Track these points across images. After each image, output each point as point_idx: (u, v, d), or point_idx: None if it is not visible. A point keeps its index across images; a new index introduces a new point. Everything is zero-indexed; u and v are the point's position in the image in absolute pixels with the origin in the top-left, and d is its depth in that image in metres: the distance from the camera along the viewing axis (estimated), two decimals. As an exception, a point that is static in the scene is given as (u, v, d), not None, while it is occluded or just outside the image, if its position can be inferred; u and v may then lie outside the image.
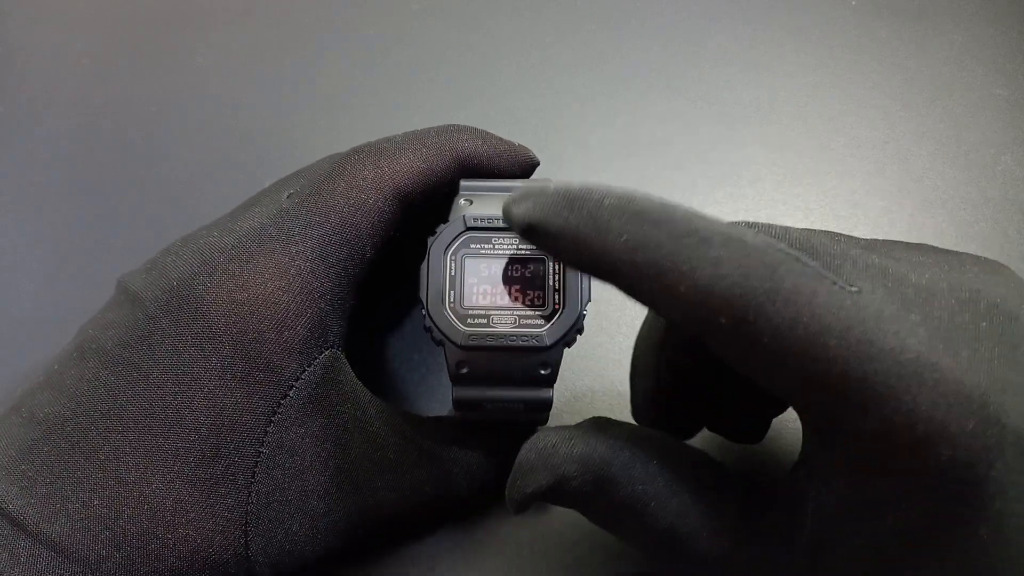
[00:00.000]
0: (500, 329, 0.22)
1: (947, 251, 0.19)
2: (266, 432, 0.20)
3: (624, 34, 0.40)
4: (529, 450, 0.18)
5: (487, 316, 0.22)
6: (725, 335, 0.16)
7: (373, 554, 0.25)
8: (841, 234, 0.19)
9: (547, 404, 0.23)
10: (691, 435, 0.23)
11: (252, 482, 0.20)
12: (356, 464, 0.22)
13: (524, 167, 0.25)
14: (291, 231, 0.22)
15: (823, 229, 0.19)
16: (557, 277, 0.22)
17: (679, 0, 0.41)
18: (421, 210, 0.24)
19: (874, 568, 0.16)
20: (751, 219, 0.33)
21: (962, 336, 0.16)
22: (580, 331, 0.22)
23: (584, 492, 0.18)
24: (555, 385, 0.23)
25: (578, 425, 0.19)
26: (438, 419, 0.25)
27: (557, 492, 0.18)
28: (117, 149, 0.37)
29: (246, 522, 0.20)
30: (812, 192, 0.34)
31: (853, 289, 0.16)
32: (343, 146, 0.26)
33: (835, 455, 0.17)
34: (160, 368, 0.20)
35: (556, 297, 0.22)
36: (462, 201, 0.24)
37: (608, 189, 0.16)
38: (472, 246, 0.23)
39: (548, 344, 0.22)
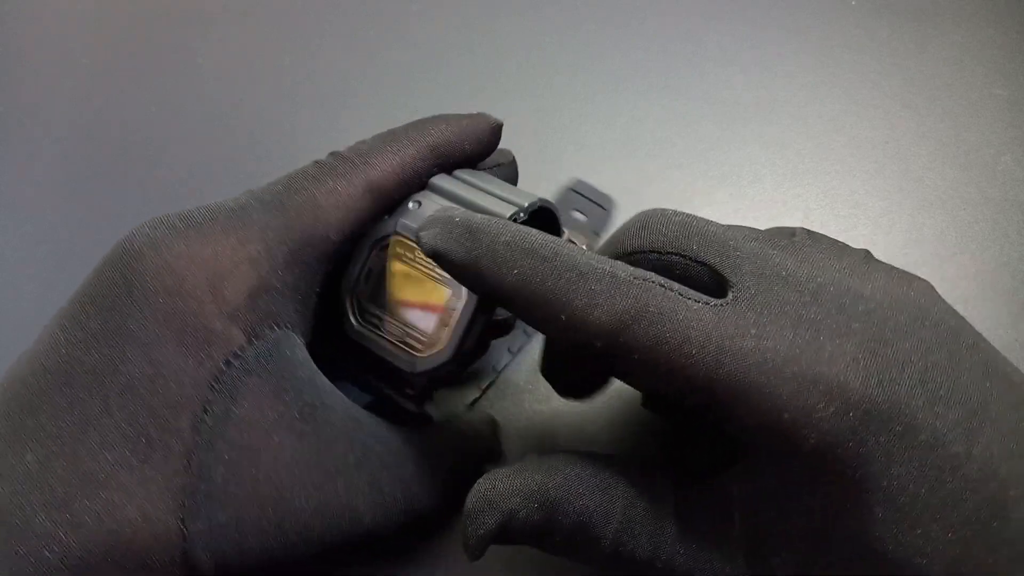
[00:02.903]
0: (383, 339, 0.22)
1: (871, 261, 0.20)
2: (208, 400, 0.19)
3: (624, 34, 0.40)
4: (473, 497, 0.19)
5: (381, 320, 0.22)
6: (602, 353, 0.18)
7: (373, 555, 0.25)
8: (773, 231, 0.21)
9: (415, 414, 0.23)
10: (596, 391, 0.24)
11: (192, 452, 0.19)
12: (315, 455, 0.20)
13: (490, 135, 0.25)
14: (249, 206, 0.21)
15: (741, 225, 0.21)
16: (453, 313, 0.22)
17: (679, 0, 0.41)
18: (397, 204, 0.24)
19: (801, 554, 0.18)
20: (750, 219, 0.33)
21: (830, 334, 0.17)
22: (454, 374, 0.22)
23: (533, 523, 0.19)
24: (432, 403, 0.23)
25: (516, 464, 0.20)
26: (409, 430, 0.24)
27: (508, 529, 0.19)
28: (117, 149, 0.37)
29: (183, 496, 0.19)
30: (812, 192, 0.34)
31: (720, 302, 0.18)
32: (343, 146, 0.26)
33: (743, 453, 0.19)
34: (98, 322, 0.20)
35: (443, 331, 0.22)
36: (410, 204, 0.23)
37: (506, 226, 0.19)
38: (397, 250, 0.22)
39: (413, 372, 0.22)
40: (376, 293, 0.23)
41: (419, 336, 0.22)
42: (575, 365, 0.23)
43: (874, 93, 0.37)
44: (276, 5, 0.43)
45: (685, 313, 0.18)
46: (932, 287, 0.20)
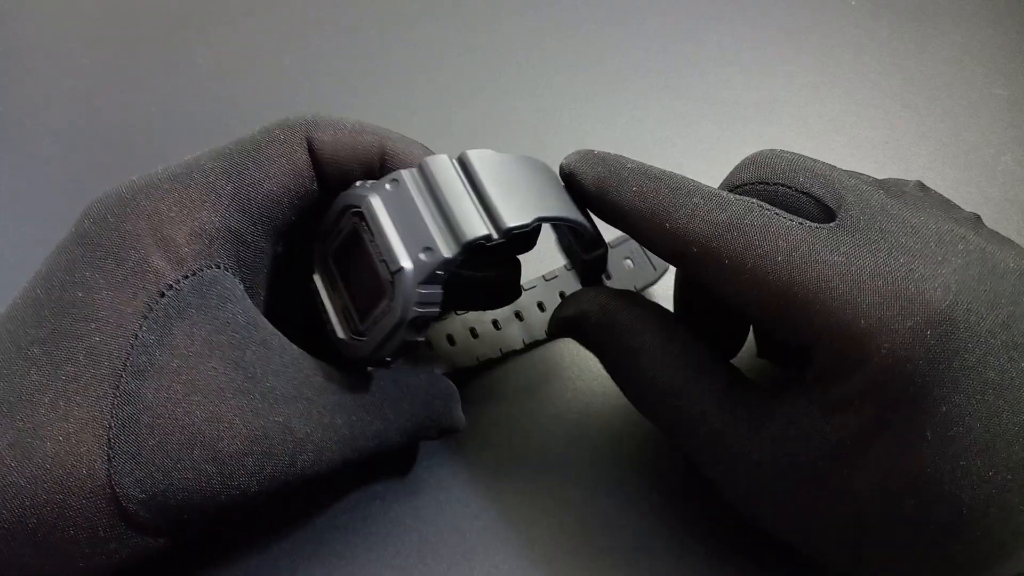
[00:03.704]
0: (328, 303, 0.22)
1: (980, 222, 0.21)
2: (140, 328, 0.19)
3: (624, 34, 0.40)
4: (570, 295, 0.24)
5: (335, 284, 0.22)
6: (697, 263, 0.20)
7: (380, 554, 0.25)
8: (887, 180, 0.22)
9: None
10: (729, 352, 0.25)
11: (121, 376, 0.19)
12: (251, 383, 0.20)
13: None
14: (202, 157, 0.22)
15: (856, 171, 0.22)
16: (380, 316, 0.20)
17: (679, 0, 0.41)
18: (335, 183, 0.23)
19: (826, 466, 0.19)
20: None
21: (925, 261, 0.18)
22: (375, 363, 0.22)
23: (596, 330, 0.23)
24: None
25: (614, 289, 0.24)
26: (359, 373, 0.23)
27: (579, 324, 0.24)
28: (117, 149, 0.37)
29: (109, 418, 0.18)
30: (812, 192, 0.34)
31: (818, 225, 0.19)
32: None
33: (812, 368, 0.19)
34: (47, 266, 0.20)
35: (371, 327, 0.21)
36: (388, 183, 0.21)
37: (630, 159, 0.22)
38: (364, 224, 0.21)
39: (339, 348, 0.22)
40: (339, 255, 0.22)
41: (354, 319, 0.21)
42: (703, 322, 0.23)
43: (874, 93, 0.37)
44: (276, 5, 0.43)
45: (778, 227, 0.19)
46: None
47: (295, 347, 0.21)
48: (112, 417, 0.18)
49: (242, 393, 0.20)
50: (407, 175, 0.21)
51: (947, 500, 0.17)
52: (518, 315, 0.29)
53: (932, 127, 0.35)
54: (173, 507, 0.19)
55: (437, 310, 0.20)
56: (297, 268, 0.24)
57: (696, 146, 0.36)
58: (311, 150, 0.22)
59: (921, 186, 0.22)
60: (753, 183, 0.21)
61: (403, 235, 0.20)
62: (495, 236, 0.20)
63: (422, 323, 0.21)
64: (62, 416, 0.18)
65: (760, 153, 0.22)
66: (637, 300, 0.23)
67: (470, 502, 0.26)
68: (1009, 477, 0.17)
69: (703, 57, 0.39)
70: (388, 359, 0.21)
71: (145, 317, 0.19)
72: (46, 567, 0.18)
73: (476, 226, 0.20)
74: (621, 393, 0.24)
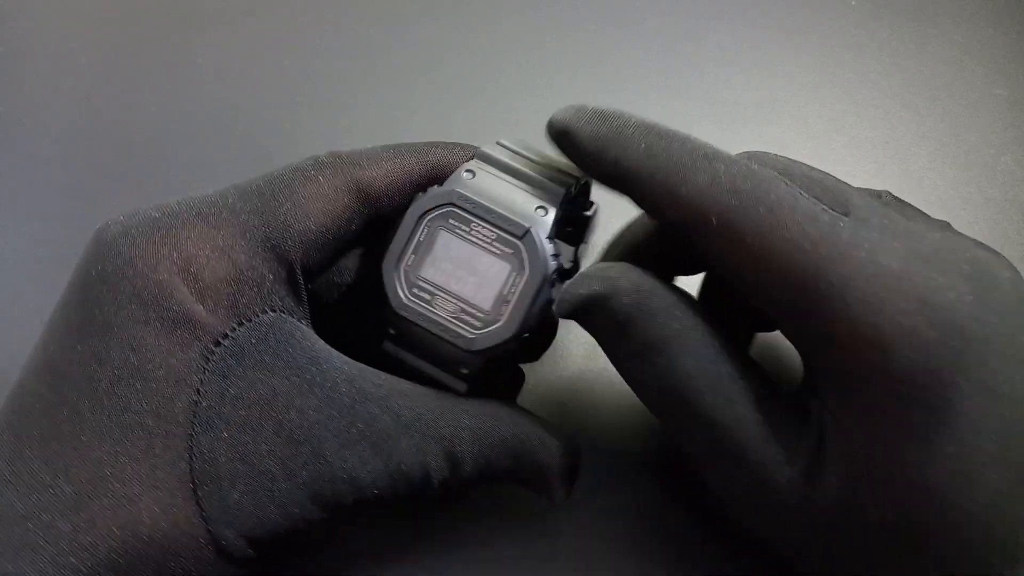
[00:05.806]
0: (436, 315, 0.22)
1: (953, 229, 0.21)
2: (200, 382, 0.19)
3: (624, 34, 0.40)
4: (593, 265, 0.21)
5: (432, 295, 0.22)
6: (714, 235, 0.18)
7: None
8: (861, 189, 0.21)
9: (463, 391, 0.22)
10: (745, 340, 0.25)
11: (192, 435, 0.19)
12: (316, 428, 0.20)
13: None
14: (227, 194, 0.22)
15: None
16: (514, 289, 0.21)
17: (679, 0, 0.41)
18: (392, 213, 0.23)
19: (856, 480, 0.18)
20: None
21: (941, 267, 0.18)
22: (512, 353, 0.22)
23: (625, 312, 0.20)
24: (477, 383, 0.22)
25: (637, 267, 0.21)
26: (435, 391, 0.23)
27: (603, 304, 0.20)
28: (117, 149, 0.37)
29: (193, 481, 0.19)
30: (812, 192, 0.34)
31: (836, 213, 0.18)
32: (343, 146, 0.26)
33: (823, 370, 0.19)
34: (79, 316, 0.20)
35: (503, 308, 0.21)
36: (464, 173, 0.22)
37: (635, 115, 0.20)
38: (451, 221, 0.22)
39: (471, 350, 0.21)
40: (426, 264, 0.22)
41: (476, 313, 0.21)
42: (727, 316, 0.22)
43: (874, 93, 0.37)
44: (276, 5, 0.43)
45: (805, 210, 0.18)
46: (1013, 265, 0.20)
47: (357, 379, 0.21)
48: (193, 475, 0.19)
49: (307, 441, 0.20)
50: (476, 164, 0.23)
51: (959, 510, 0.17)
52: None
53: (932, 127, 0.35)
54: (265, 540, 0.20)
55: (567, 264, 0.22)
56: (334, 303, 0.24)
57: (696, 146, 0.36)
58: (361, 190, 0.22)
59: (895, 196, 0.22)
60: None
61: (508, 208, 0.22)
62: (574, 188, 0.22)
63: (559, 276, 0.22)
64: (149, 483, 0.19)
65: (753, 152, 0.21)
66: (669, 283, 0.21)
67: (471, 500, 0.26)
68: (1019, 489, 0.17)
69: (703, 57, 0.39)
70: (527, 335, 0.22)
71: (204, 370, 0.20)
72: None
73: (560, 182, 0.22)
74: (625, 388, 0.23)
